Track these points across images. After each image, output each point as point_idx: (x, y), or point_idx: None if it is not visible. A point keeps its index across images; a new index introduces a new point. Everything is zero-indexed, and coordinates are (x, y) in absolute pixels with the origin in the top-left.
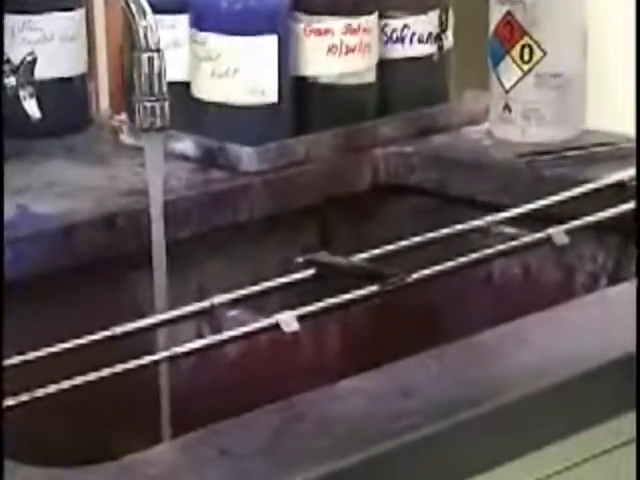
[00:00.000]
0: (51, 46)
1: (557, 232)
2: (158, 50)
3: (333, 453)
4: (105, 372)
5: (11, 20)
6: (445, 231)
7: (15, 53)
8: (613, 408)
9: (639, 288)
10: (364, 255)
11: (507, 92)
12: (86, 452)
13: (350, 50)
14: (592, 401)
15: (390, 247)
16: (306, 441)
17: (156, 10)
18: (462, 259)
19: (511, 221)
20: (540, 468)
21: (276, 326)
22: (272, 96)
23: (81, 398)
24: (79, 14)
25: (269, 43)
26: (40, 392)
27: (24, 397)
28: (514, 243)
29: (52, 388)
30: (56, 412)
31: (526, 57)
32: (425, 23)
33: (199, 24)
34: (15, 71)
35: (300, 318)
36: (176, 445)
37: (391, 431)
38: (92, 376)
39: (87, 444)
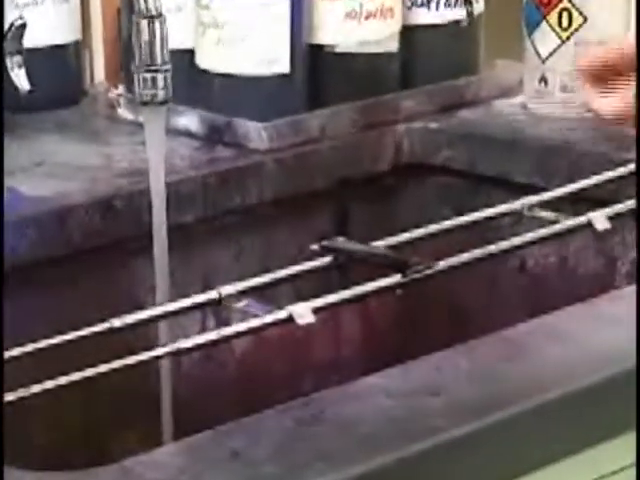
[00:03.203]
0: (41, 10)
1: (598, 216)
2: (159, 15)
3: (352, 457)
4: (102, 368)
5: None
6: (475, 215)
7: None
8: None
9: (639, 290)
10: (385, 242)
11: (544, 62)
12: (83, 454)
13: (370, 15)
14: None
15: (414, 233)
16: (323, 443)
17: None
18: (493, 246)
19: (547, 204)
20: (587, 472)
21: (289, 319)
22: (284, 66)
23: (76, 396)
24: None
25: (281, 7)
26: (32, 389)
27: (14, 395)
28: (551, 228)
29: (44, 385)
30: (49, 410)
31: (565, 23)
32: None
33: None
34: (2, 38)
35: (315, 310)
36: (182, 447)
37: (416, 433)
38: (88, 372)
39: (84, 445)
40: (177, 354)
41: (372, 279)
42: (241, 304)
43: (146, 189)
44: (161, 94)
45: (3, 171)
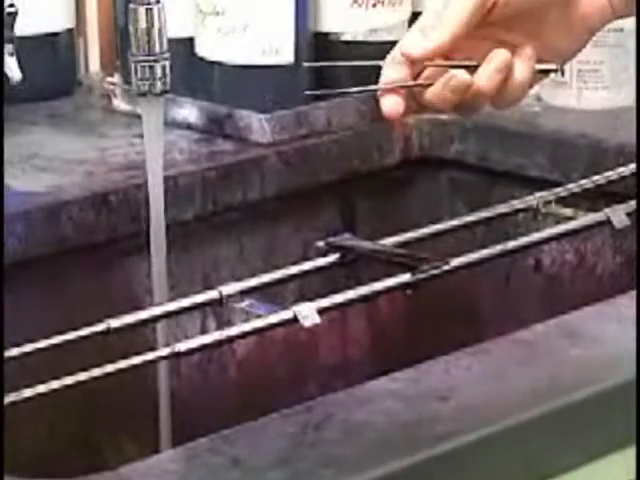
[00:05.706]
0: None
1: (616, 213)
2: (157, 1)
3: (360, 463)
4: (98, 372)
5: None
6: (488, 211)
7: None
8: None
9: (639, 293)
10: (394, 239)
11: None
12: (77, 461)
13: (378, 2)
14: None
15: (424, 230)
16: (329, 450)
17: None
18: (508, 243)
19: (564, 200)
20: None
21: (294, 319)
22: (288, 56)
23: (70, 400)
24: None
25: None
26: (22, 393)
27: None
28: (567, 225)
29: (36, 389)
30: (42, 416)
31: None
32: None
33: None
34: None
35: (321, 310)
36: (181, 454)
37: (426, 439)
38: (83, 376)
39: (78, 452)
40: (176, 356)
41: (380, 278)
42: (243, 304)
43: (143, 184)
44: (159, 84)
45: (3, 172)
